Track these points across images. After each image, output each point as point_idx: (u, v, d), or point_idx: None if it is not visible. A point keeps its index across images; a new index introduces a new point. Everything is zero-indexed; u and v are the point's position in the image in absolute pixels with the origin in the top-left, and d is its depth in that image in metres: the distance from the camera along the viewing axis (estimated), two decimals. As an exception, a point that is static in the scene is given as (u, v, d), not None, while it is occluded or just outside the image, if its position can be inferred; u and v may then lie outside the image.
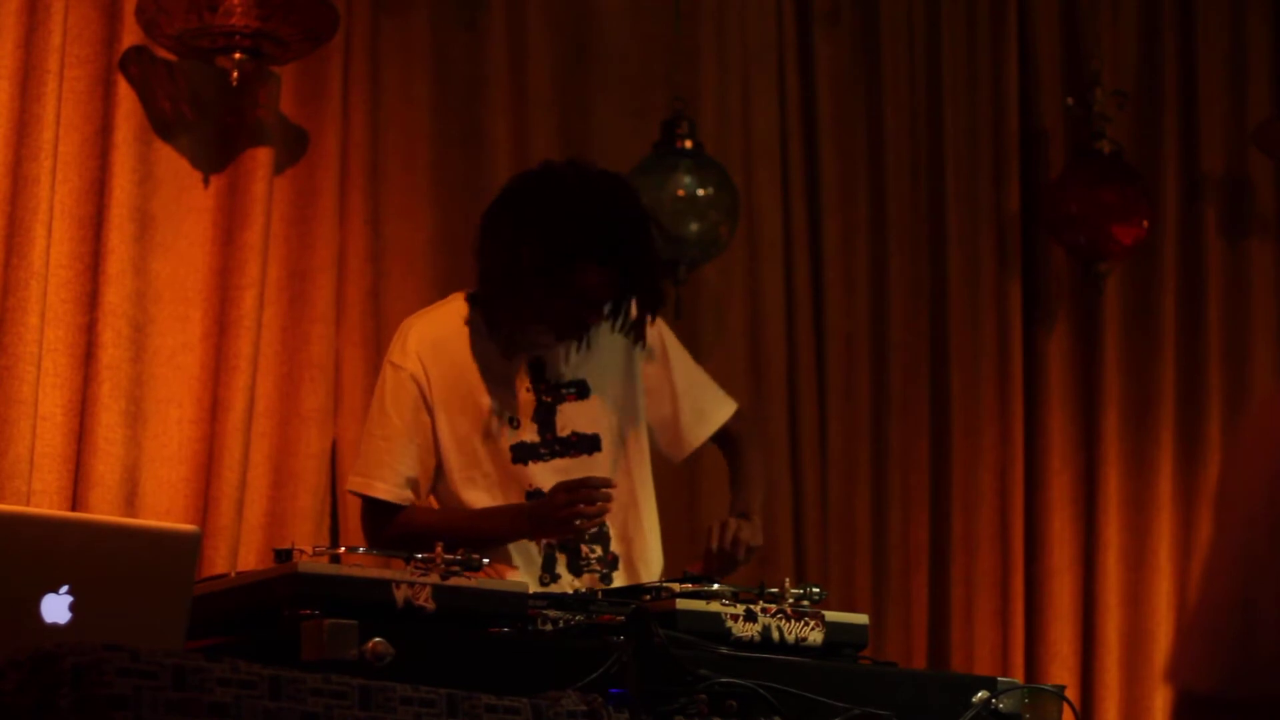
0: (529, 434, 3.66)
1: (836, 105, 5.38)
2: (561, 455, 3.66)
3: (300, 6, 4.21)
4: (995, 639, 5.36)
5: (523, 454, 3.66)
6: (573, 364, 3.71)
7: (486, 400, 3.66)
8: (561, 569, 3.64)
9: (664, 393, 3.83)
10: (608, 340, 3.73)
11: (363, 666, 2.54)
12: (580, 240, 3.57)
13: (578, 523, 3.50)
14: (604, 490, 3.48)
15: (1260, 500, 1.57)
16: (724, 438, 3.92)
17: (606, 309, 3.63)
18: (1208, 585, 1.60)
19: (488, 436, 3.65)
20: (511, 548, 3.63)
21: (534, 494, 3.64)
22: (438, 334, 3.69)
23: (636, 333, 3.69)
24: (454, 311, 3.73)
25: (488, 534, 3.60)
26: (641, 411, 3.79)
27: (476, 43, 4.82)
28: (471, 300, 3.73)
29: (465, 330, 3.70)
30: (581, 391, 3.71)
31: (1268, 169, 5.79)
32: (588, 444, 3.69)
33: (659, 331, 3.82)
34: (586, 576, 3.64)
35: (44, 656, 2.22)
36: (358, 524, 4.44)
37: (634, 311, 3.68)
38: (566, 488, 3.50)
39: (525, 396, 3.67)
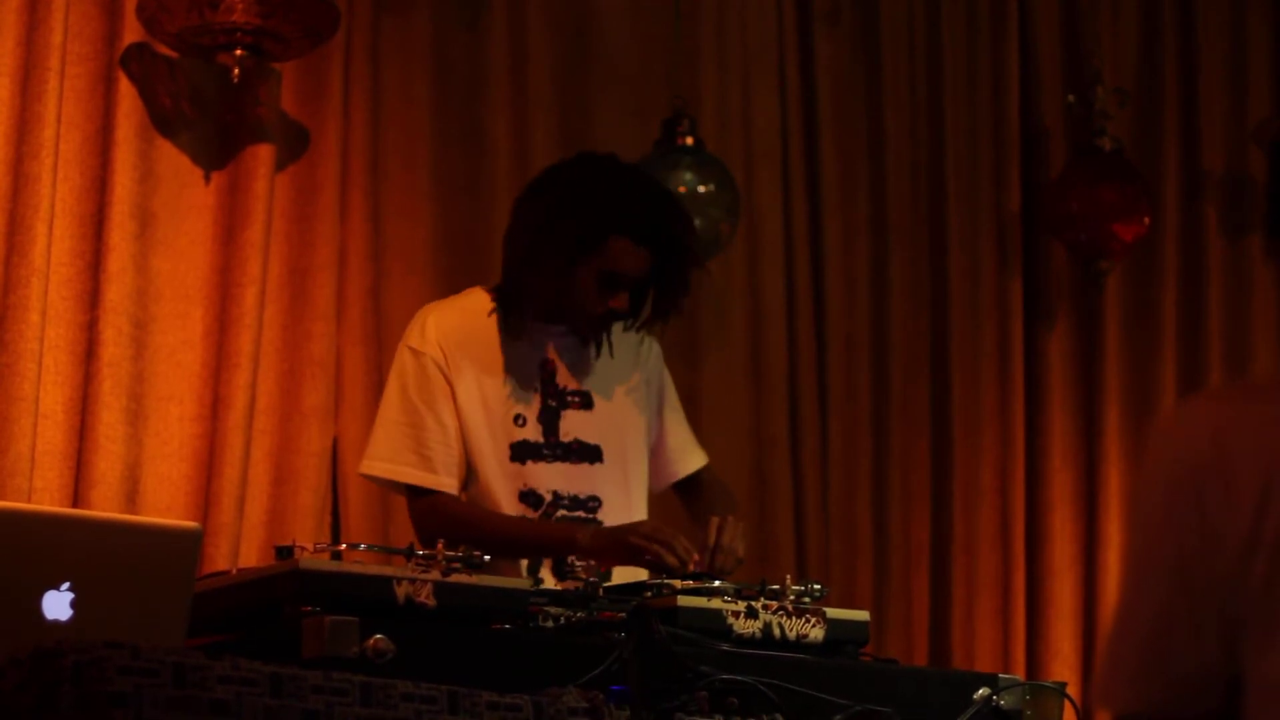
0: (533, 434, 3.66)
1: (837, 104, 5.38)
2: (563, 460, 3.66)
3: (301, 4, 4.21)
4: (996, 637, 5.36)
5: (523, 453, 3.65)
6: (580, 374, 3.72)
7: (498, 395, 3.65)
8: (545, 573, 3.63)
9: (655, 425, 3.83)
10: (617, 356, 3.74)
11: (364, 663, 2.54)
12: (619, 214, 3.59)
13: (646, 557, 3.46)
14: (686, 554, 3.44)
15: (1157, 530, 1.58)
16: (693, 483, 3.91)
17: (628, 306, 3.64)
18: (1123, 610, 1.61)
19: (493, 431, 3.64)
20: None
21: (527, 494, 3.64)
22: (457, 322, 3.68)
23: (659, 319, 3.70)
24: (474, 303, 3.72)
25: (534, 541, 3.59)
26: (643, 432, 3.79)
27: (477, 41, 4.82)
28: (493, 293, 3.72)
29: (484, 322, 3.68)
30: (585, 402, 3.71)
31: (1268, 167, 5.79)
32: (590, 453, 3.69)
33: (659, 364, 3.85)
34: (570, 583, 3.64)
35: (45, 654, 2.21)
36: (359, 521, 4.47)
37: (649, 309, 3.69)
38: (656, 531, 3.47)
39: (533, 397, 3.68)
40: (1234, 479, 1.53)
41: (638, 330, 3.76)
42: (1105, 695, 1.62)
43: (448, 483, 3.61)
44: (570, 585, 3.54)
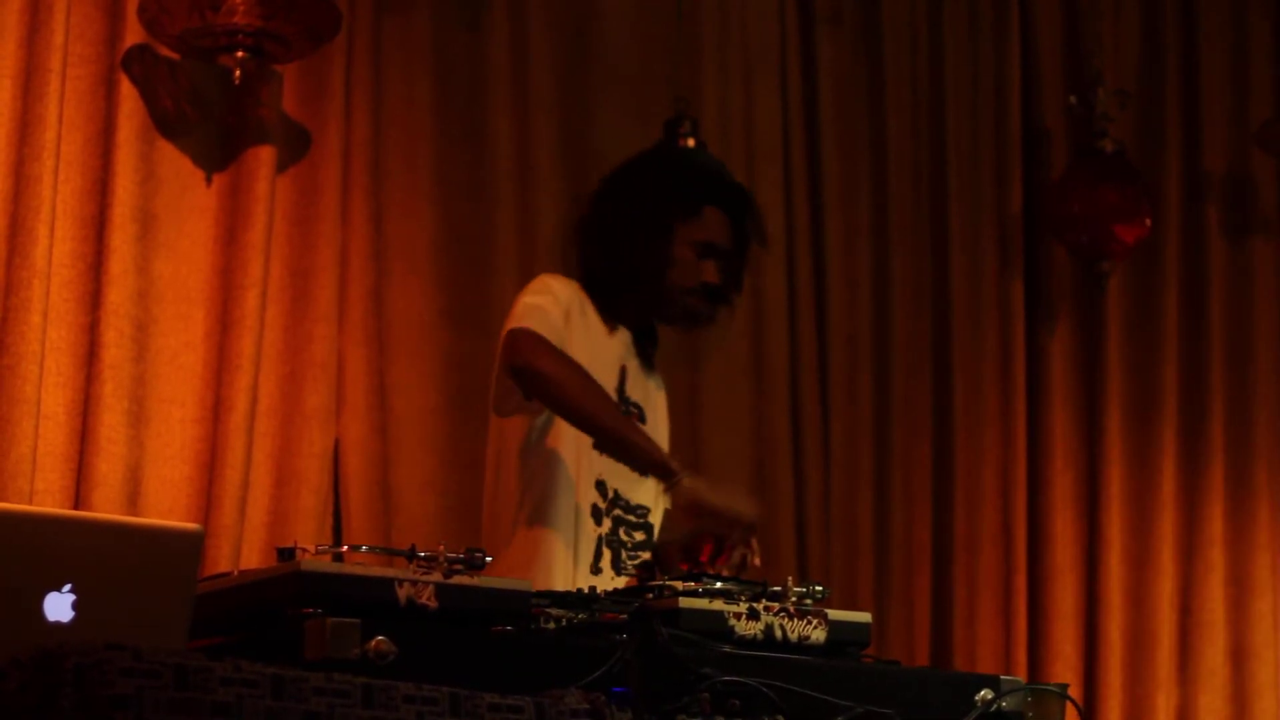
0: None
1: (838, 105, 5.38)
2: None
3: (302, 5, 4.21)
4: (998, 638, 5.36)
5: None
6: (638, 387, 3.76)
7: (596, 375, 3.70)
8: (605, 564, 3.67)
9: None
10: (653, 379, 3.81)
11: (365, 665, 2.54)
12: (714, 186, 3.73)
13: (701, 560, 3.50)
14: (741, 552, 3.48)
15: None
16: None
17: (719, 279, 3.72)
18: None
19: None
20: (572, 535, 3.66)
21: (600, 484, 3.71)
22: (572, 297, 3.73)
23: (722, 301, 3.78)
24: (575, 287, 3.76)
25: (633, 446, 3.59)
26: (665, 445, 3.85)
27: (478, 42, 4.82)
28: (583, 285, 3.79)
29: (588, 311, 3.75)
30: (640, 416, 3.76)
31: (1270, 168, 5.80)
32: None
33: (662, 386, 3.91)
34: (625, 579, 3.68)
35: (46, 656, 2.21)
36: (360, 522, 4.48)
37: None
38: (732, 526, 3.49)
39: (612, 395, 3.72)
40: None
41: (718, 305, 3.81)
42: None
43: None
44: (625, 582, 3.59)
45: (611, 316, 3.75)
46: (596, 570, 3.68)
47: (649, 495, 3.76)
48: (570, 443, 3.68)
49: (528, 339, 3.58)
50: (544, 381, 3.56)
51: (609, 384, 3.71)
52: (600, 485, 3.70)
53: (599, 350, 3.71)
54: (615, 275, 3.72)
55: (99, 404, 4.11)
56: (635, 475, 3.70)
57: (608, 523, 3.71)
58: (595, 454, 3.69)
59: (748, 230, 3.77)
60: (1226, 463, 5.66)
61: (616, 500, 3.71)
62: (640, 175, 3.79)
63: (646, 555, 3.71)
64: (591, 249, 3.77)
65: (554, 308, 3.62)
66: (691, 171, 3.78)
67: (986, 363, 5.47)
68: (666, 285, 3.72)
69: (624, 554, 3.69)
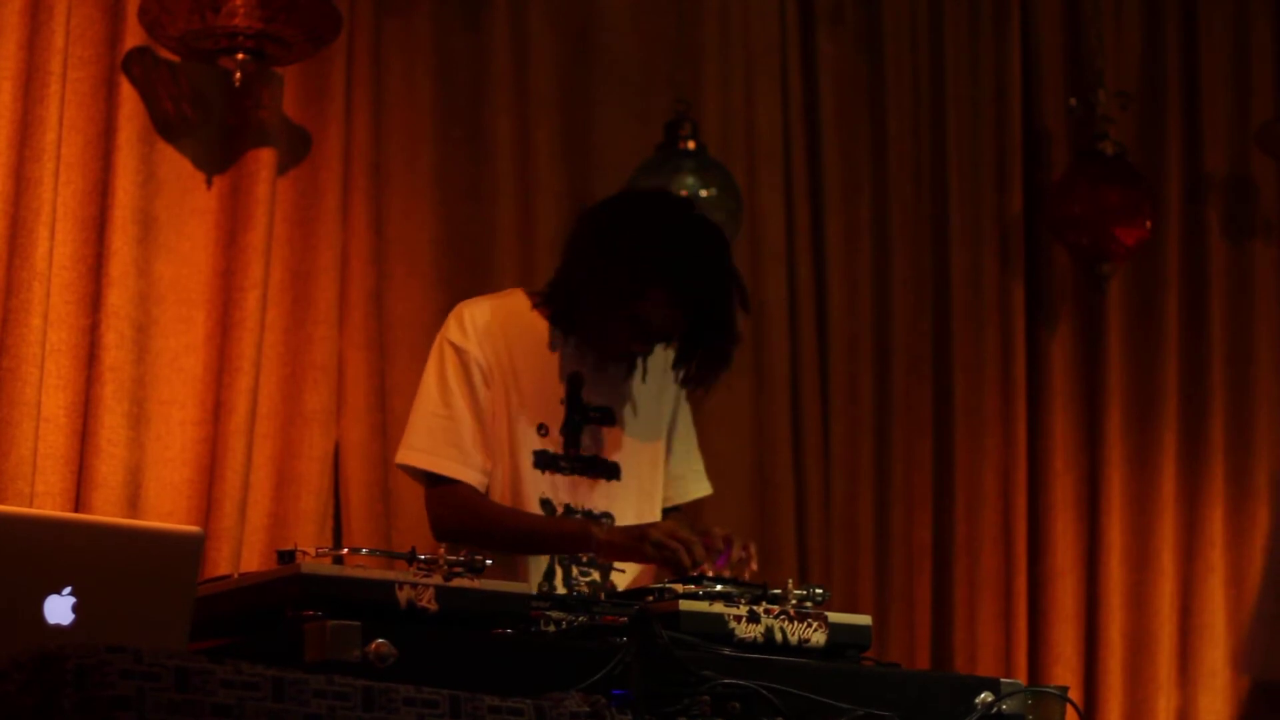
0: (553, 445, 3.67)
1: (839, 106, 5.38)
2: (580, 474, 3.68)
3: (303, 7, 4.21)
4: (998, 640, 5.36)
5: (543, 461, 3.67)
6: (606, 390, 3.71)
7: (523, 401, 3.66)
8: (557, 582, 3.65)
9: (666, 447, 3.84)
10: (649, 377, 3.75)
11: (366, 668, 2.54)
12: (663, 268, 3.58)
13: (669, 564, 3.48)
14: (702, 557, 3.46)
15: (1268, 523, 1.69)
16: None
17: (655, 348, 3.67)
18: (1257, 593, 1.72)
19: (520, 435, 3.65)
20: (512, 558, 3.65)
21: (545, 502, 3.65)
22: (492, 322, 3.69)
23: (690, 384, 3.72)
24: (514, 304, 3.74)
25: (552, 537, 3.61)
26: (662, 452, 3.80)
27: (479, 44, 4.82)
28: (533, 298, 3.74)
29: (521, 327, 3.70)
30: (606, 418, 3.72)
31: (1270, 170, 5.80)
32: (607, 470, 3.71)
33: (680, 390, 3.83)
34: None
35: (47, 658, 2.22)
36: (361, 525, 4.47)
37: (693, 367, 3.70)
38: (673, 532, 3.49)
39: (557, 408, 3.68)
40: None
41: (682, 384, 3.75)
42: (1242, 665, 1.74)
43: (478, 478, 3.62)
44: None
45: (566, 329, 3.71)
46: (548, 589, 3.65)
47: (608, 501, 3.71)
48: (504, 474, 3.66)
49: (432, 507, 3.64)
50: (459, 536, 3.60)
51: (553, 394, 3.69)
52: (545, 504, 3.67)
53: (543, 358, 3.69)
54: (568, 310, 3.69)
55: (99, 406, 4.11)
56: (590, 483, 3.68)
57: None
58: (537, 473, 3.66)
59: (709, 323, 3.63)
60: (1226, 463, 5.66)
61: (569, 513, 3.68)
62: (608, 236, 3.64)
63: (596, 575, 3.69)
64: (560, 275, 3.73)
65: (459, 412, 3.62)
66: (651, 247, 3.59)
67: (987, 364, 5.47)
68: (598, 341, 3.68)
69: (575, 570, 3.67)
